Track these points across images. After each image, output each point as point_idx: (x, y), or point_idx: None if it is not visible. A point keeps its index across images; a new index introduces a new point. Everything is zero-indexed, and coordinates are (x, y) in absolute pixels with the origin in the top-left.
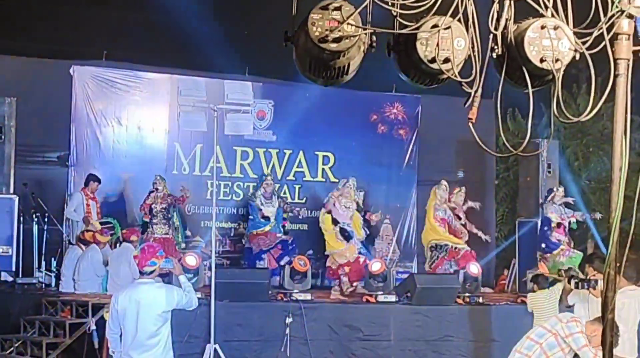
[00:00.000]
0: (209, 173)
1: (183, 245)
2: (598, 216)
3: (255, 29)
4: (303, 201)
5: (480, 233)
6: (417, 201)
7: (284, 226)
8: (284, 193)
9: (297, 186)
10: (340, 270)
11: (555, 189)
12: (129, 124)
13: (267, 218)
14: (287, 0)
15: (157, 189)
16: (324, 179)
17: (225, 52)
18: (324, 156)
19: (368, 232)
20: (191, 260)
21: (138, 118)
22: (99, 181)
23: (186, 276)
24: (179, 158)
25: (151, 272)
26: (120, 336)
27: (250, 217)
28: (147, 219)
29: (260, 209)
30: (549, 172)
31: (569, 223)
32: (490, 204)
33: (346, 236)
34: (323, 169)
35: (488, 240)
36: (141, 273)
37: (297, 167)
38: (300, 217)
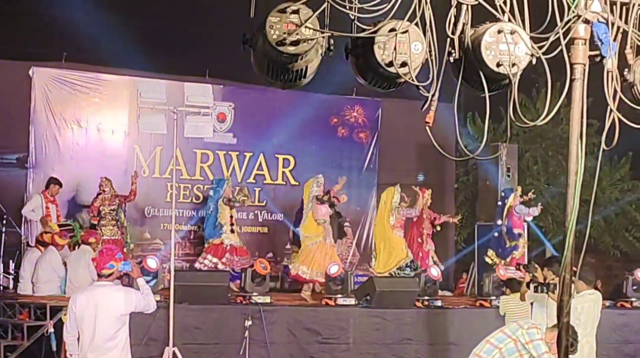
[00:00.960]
0: (169, 176)
1: (132, 246)
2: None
3: (216, 30)
4: (263, 203)
5: (445, 218)
6: (376, 204)
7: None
8: (244, 195)
9: (257, 189)
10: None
11: (513, 189)
12: (89, 126)
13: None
14: (247, 2)
15: (104, 191)
16: (284, 182)
17: (186, 54)
18: (284, 159)
19: None
20: (152, 262)
21: (98, 120)
22: (60, 185)
23: (145, 279)
24: (138, 160)
25: (109, 275)
26: (78, 339)
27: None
28: (96, 222)
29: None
30: (508, 176)
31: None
32: (449, 208)
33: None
34: (283, 172)
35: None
36: (99, 275)
37: (258, 170)
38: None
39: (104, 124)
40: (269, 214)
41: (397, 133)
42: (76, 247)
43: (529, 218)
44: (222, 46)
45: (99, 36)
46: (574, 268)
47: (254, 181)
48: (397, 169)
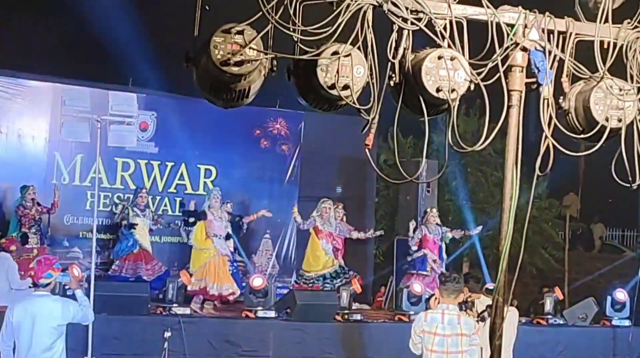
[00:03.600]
0: (89, 184)
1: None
2: (476, 230)
3: (140, 38)
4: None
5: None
6: None
7: None
8: (165, 205)
9: (178, 199)
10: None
11: (429, 209)
12: (9, 132)
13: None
14: (172, 10)
15: (32, 199)
16: (205, 193)
17: (109, 62)
18: (206, 169)
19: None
20: (76, 271)
21: (18, 126)
22: None
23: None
24: (59, 168)
25: (47, 284)
26: (14, 349)
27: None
28: (26, 230)
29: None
30: (428, 191)
31: (442, 238)
32: (369, 222)
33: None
34: (205, 182)
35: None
36: (36, 285)
37: (179, 180)
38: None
39: (24, 130)
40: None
41: (319, 146)
42: None
43: (449, 235)
44: (146, 54)
45: (22, 40)
46: (489, 286)
47: (175, 191)
48: (318, 182)
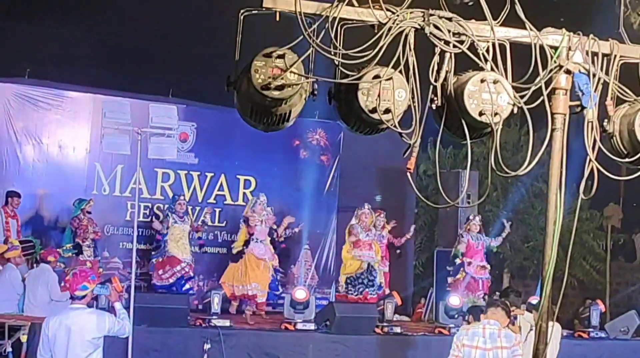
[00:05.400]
0: (129, 194)
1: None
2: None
3: (180, 49)
4: (223, 224)
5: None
6: (337, 227)
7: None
8: (204, 216)
9: (217, 210)
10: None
11: (471, 217)
12: (50, 143)
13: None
14: (210, 20)
15: (89, 212)
16: (244, 203)
17: (149, 72)
18: (245, 179)
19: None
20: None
21: (59, 137)
22: (19, 196)
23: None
24: (99, 178)
25: (82, 297)
26: None
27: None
28: (79, 241)
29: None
30: (469, 202)
31: (488, 248)
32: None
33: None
34: (244, 193)
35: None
36: (72, 297)
37: (218, 190)
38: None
39: (65, 140)
40: (229, 235)
41: (358, 157)
42: (34, 265)
43: (493, 244)
44: (186, 65)
45: (62, 52)
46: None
47: (214, 202)
48: (357, 193)
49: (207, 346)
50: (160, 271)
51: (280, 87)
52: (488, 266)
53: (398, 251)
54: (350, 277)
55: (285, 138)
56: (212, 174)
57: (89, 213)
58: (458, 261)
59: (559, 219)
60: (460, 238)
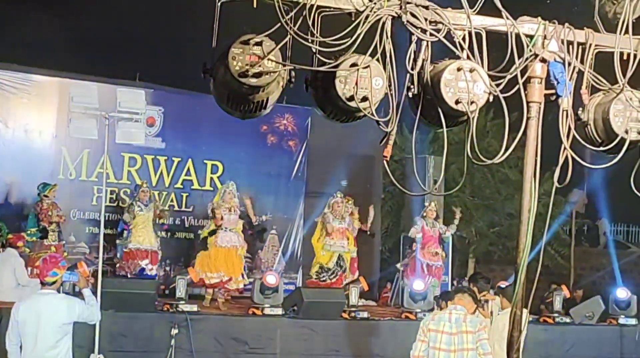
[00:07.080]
0: (96, 179)
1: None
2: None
3: (147, 33)
4: (190, 209)
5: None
6: (304, 213)
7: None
8: (172, 200)
9: (184, 195)
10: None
11: (427, 203)
12: (16, 127)
13: None
14: (179, 5)
15: (46, 196)
16: (212, 188)
17: (117, 57)
18: (212, 164)
19: None
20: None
21: (25, 121)
22: None
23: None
24: (65, 163)
25: (53, 283)
26: (20, 347)
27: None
28: (46, 224)
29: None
30: (435, 189)
31: (441, 236)
32: (375, 218)
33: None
34: (211, 178)
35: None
36: (42, 283)
37: (186, 175)
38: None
39: (31, 125)
40: (196, 220)
41: (326, 142)
42: (1, 249)
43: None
44: (153, 49)
45: (29, 36)
46: (501, 285)
47: (181, 186)
48: (325, 179)
49: (174, 331)
50: (124, 263)
51: (257, 75)
52: (443, 254)
53: (371, 234)
54: (322, 266)
55: (253, 123)
56: (180, 159)
57: (47, 196)
58: (414, 246)
59: (534, 208)
60: (415, 224)
